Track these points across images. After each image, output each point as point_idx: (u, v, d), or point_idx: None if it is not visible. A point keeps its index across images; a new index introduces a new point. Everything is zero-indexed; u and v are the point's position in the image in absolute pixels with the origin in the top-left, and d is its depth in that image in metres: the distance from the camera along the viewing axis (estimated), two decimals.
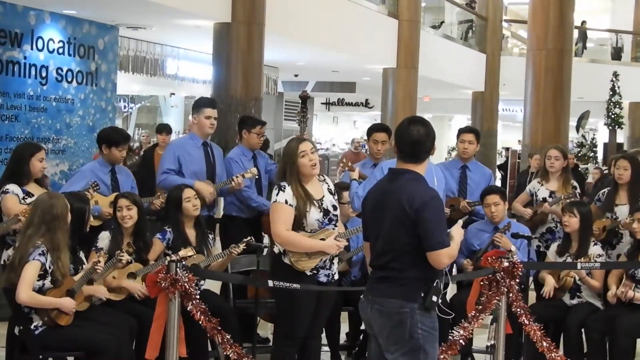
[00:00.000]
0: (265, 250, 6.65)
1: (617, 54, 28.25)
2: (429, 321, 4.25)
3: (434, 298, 4.20)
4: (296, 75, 22.79)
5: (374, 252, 4.41)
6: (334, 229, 5.61)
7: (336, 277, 5.73)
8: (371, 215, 4.50)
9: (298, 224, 5.49)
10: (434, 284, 4.21)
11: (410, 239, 4.20)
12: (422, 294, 4.20)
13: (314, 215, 5.50)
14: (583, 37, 27.72)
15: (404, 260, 4.23)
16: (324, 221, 5.56)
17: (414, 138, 4.33)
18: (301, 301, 5.53)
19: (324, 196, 5.62)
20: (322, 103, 30.44)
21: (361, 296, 4.49)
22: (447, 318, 4.84)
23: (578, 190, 7.50)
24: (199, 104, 7.47)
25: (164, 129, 12.94)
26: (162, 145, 11.81)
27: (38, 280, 5.25)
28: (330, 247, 5.50)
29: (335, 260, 5.67)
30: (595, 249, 6.72)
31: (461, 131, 7.78)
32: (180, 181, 6.87)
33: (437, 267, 4.19)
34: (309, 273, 5.53)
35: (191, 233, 6.31)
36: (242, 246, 6.12)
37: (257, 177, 7.35)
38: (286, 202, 5.46)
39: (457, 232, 4.44)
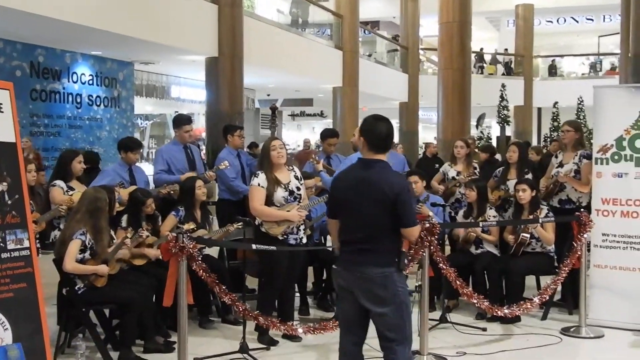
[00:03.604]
0: None
1: (508, 70, 28.60)
2: (402, 280, 3.87)
3: (406, 261, 3.90)
4: (268, 95, 22.67)
5: (350, 229, 3.90)
6: (298, 204, 5.64)
7: (304, 240, 5.76)
8: (345, 198, 3.93)
9: (269, 201, 5.56)
10: (402, 251, 3.89)
11: (388, 218, 3.78)
12: (396, 260, 3.81)
13: (279, 193, 5.59)
14: (481, 59, 28.00)
15: (381, 235, 3.81)
16: (288, 198, 5.61)
17: (385, 133, 3.90)
18: (276, 259, 5.59)
19: (290, 181, 5.68)
20: (288, 115, 30.33)
21: (334, 266, 4.02)
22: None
23: (477, 170, 7.52)
24: (180, 122, 7.23)
25: None
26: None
27: (80, 254, 5.18)
28: (293, 216, 5.56)
29: (302, 228, 5.70)
30: (490, 212, 6.76)
31: None
32: (168, 178, 6.82)
33: (411, 240, 3.83)
34: (280, 237, 5.58)
35: (197, 213, 6.24)
36: (236, 225, 6.05)
37: (229, 167, 7.12)
38: (259, 184, 5.59)
39: None
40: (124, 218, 5.99)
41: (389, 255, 3.82)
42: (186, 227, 5.67)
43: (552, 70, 28.74)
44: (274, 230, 5.58)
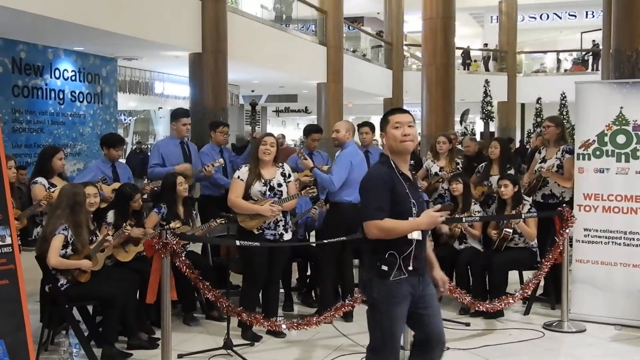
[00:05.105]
0: None
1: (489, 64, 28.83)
2: (384, 288, 3.45)
3: (384, 268, 3.41)
4: (252, 91, 22.64)
5: None
6: (279, 199, 5.64)
7: (285, 237, 5.71)
8: None
9: (246, 194, 5.63)
10: (386, 255, 3.44)
11: None
12: (379, 264, 3.45)
13: (256, 187, 5.62)
14: (468, 55, 28.12)
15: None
16: (267, 193, 5.63)
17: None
18: (254, 254, 5.64)
19: (274, 177, 5.69)
20: (273, 111, 30.29)
21: None
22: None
23: (460, 165, 7.54)
24: (177, 115, 7.27)
25: None
26: None
27: (62, 249, 5.16)
28: (265, 210, 5.55)
29: (281, 224, 5.68)
30: (475, 207, 6.78)
31: (359, 125, 7.61)
32: (161, 170, 6.79)
33: (368, 237, 3.45)
34: (256, 232, 5.62)
35: (180, 209, 6.21)
36: (219, 221, 6.04)
37: (223, 165, 7.21)
38: (239, 177, 5.68)
39: (425, 214, 3.55)
40: (110, 213, 5.96)
41: (372, 258, 3.52)
42: (172, 225, 5.65)
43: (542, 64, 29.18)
44: (247, 223, 5.61)
